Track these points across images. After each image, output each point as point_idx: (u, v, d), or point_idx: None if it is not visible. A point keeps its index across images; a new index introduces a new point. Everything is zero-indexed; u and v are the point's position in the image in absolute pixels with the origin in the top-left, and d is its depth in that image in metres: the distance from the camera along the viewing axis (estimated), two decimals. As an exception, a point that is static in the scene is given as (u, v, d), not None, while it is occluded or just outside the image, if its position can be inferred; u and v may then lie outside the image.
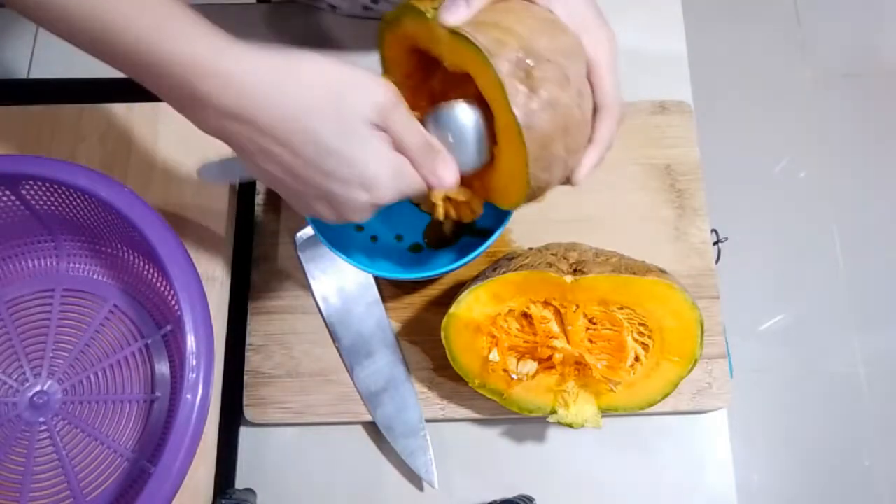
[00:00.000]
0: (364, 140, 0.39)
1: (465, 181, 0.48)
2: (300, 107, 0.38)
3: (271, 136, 0.39)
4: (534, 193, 0.46)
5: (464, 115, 0.46)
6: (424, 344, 0.62)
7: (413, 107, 0.45)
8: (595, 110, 0.46)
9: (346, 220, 0.43)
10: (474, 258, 0.53)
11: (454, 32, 0.42)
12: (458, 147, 0.46)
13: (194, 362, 0.47)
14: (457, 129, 0.46)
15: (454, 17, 0.42)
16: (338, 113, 0.39)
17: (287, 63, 0.39)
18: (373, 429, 0.61)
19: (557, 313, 0.54)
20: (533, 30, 0.42)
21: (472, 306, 0.53)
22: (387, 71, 0.51)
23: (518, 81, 0.41)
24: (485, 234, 0.54)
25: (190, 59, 0.38)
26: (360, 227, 0.62)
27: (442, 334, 0.54)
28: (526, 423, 0.62)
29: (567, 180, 0.47)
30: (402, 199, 0.43)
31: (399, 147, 0.41)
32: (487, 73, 0.41)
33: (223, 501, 0.55)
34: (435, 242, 0.63)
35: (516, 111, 0.41)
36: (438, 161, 0.44)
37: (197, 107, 0.39)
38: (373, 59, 0.72)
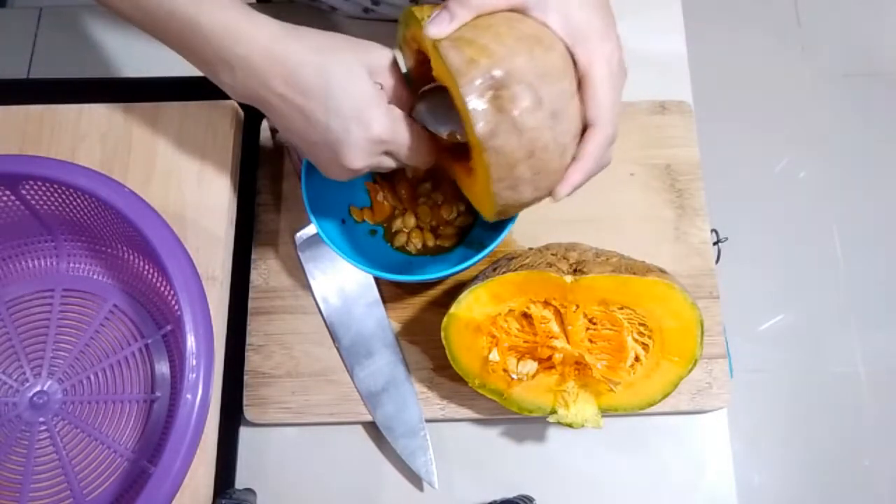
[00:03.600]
0: (363, 81, 0.44)
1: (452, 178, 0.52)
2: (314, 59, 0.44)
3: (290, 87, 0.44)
4: (506, 210, 0.47)
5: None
6: (424, 344, 0.62)
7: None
8: (585, 127, 0.45)
9: (345, 164, 0.46)
10: (474, 263, 0.54)
11: (434, 45, 0.43)
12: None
13: (194, 362, 0.47)
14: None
15: (437, 29, 0.43)
16: (342, 62, 0.44)
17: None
18: (373, 429, 0.61)
19: (557, 313, 0.54)
20: (511, 49, 0.42)
21: (472, 306, 0.53)
22: (407, 67, 0.52)
23: (483, 102, 0.41)
24: (485, 241, 0.55)
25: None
26: (359, 214, 0.62)
27: (442, 334, 0.54)
28: (526, 423, 0.62)
29: (550, 195, 0.47)
30: (395, 146, 0.47)
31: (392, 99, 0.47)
32: (456, 91, 0.42)
33: (223, 501, 0.55)
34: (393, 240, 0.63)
35: (478, 132, 0.41)
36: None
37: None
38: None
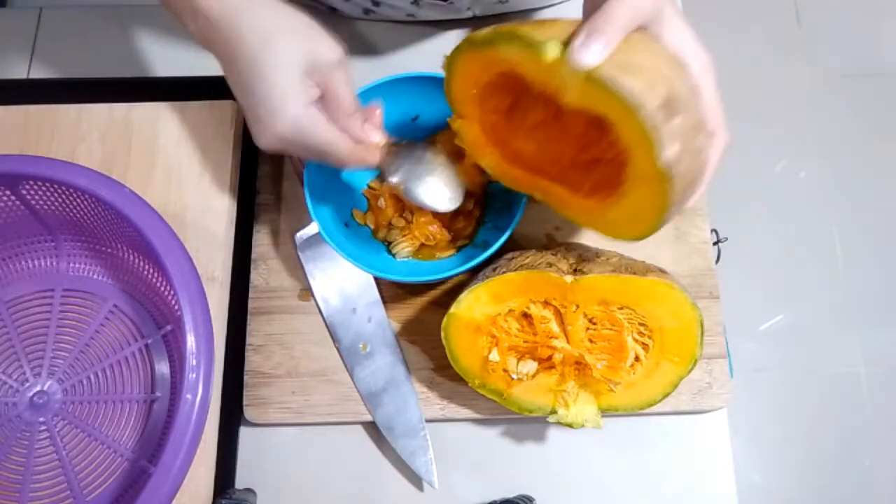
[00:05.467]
0: (289, 76, 0.45)
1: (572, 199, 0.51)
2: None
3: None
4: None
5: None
6: (424, 344, 0.62)
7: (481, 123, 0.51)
8: None
9: (255, 137, 0.48)
10: (475, 265, 0.54)
11: (590, 76, 0.39)
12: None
13: (194, 362, 0.48)
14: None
15: (591, 58, 0.39)
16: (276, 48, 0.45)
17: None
18: (373, 429, 0.61)
19: (557, 313, 0.54)
20: (667, 71, 0.41)
21: (472, 306, 0.53)
22: (453, 89, 0.50)
23: (668, 130, 0.39)
24: (487, 242, 0.55)
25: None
26: (362, 217, 0.62)
27: (442, 334, 0.54)
28: (526, 423, 0.62)
29: None
30: (300, 148, 0.48)
31: (330, 99, 0.48)
32: (633, 122, 0.39)
33: (223, 501, 0.55)
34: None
35: (666, 161, 0.40)
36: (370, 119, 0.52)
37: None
38: (369, 62, 0.73)
